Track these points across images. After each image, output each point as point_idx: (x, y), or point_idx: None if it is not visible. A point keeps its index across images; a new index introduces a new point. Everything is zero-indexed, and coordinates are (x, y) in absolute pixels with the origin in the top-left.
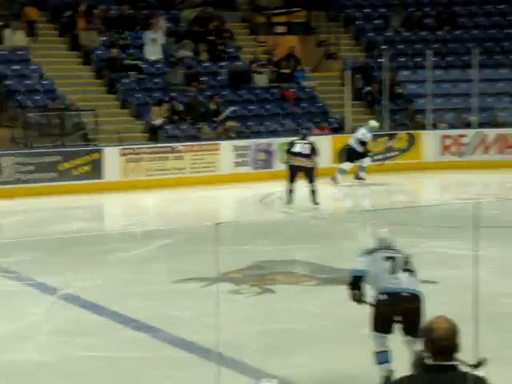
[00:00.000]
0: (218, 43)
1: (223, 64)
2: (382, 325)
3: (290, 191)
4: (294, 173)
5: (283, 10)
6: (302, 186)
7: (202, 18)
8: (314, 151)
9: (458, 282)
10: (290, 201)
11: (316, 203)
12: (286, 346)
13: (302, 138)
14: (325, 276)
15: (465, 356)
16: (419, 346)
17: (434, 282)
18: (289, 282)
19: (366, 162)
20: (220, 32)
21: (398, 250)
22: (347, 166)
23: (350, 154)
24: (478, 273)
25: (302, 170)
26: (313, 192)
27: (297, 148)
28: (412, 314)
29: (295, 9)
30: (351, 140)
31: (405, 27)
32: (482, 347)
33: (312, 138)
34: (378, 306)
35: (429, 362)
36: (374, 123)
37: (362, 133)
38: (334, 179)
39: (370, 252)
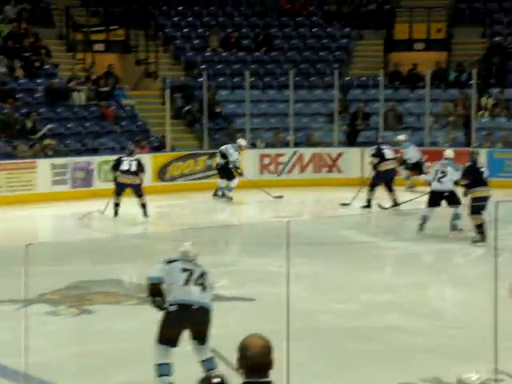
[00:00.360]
0: (34, 60)
1: (40, 81)
2: (167, 338)
3: (117, 205)
4: (121, 190)
5: (101, 28)
6: (127, 204)
7: (16, 33)
8: (140, 167)
9: (274, 299)
10: (116, 214)
11: (147, 216)
12: (105, 368)
13: (129, 155)
14: (145, 295)
15: (278, 372)
16: (208, 354)
17: (251, 300)
18: (108, 301)
19: (235, 182)
20: (36, 48)
21: (198, 265)
22: (223, 183)
23: (220, 172)
24: (290, 289)
25: (129, 186)
26: (143, 205)
27: (124, 165)
28: (200, 324)
29: (113, 27)
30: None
31: (223, 47)
32: (298, 362)
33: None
34: (166, 316)
35: (243, 379)
36: (241, 141)
37: (230, 152)
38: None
39: (170, 262)
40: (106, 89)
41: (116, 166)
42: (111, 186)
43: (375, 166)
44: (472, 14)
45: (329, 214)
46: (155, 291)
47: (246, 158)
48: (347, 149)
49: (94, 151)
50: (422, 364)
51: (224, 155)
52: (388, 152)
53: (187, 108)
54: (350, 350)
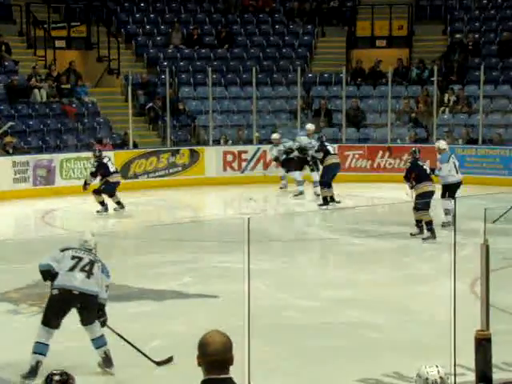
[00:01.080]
0: None
1: (0, 78)
2: (50, 319)
3: (118, 202)
4: (114, 189)
5: (62, 24)
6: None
7: None
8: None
9: (237, 296)
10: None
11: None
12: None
13: (100, 156)
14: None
15: (236, 368)
16: (97, 333)
17: (215, 296)
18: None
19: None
20: None
21: (91, 254)
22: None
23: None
24: (250, 286)
25: (118, 184)
26: (118, 203)
27: (111, 167)
28: (83, 308)
29: (75, 23)
30: None
31: (185, 44)
32: (260, 359)
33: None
34: (50, 300)
35: (204, 376)
36: (309, 126)
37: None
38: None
39: (63, 250)
40: (67, 86)
41: (106, 170)
42: (73, 183)
43: (321, 161)
44: (433, 11)
45: (291, 211)
46: (47, 277)
47: (208, 155)
48: None
49: (56, 148)
50: (383, 359)
51: (303, 148)
52: (331, 148)
53: (150, 105)
54: (312, 346)
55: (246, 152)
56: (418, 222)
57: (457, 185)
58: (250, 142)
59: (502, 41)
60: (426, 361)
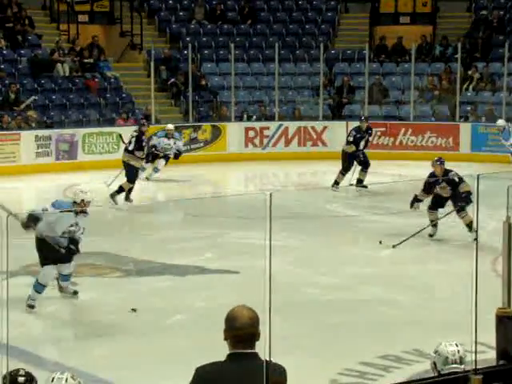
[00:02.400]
0: (18, 30)
1: (23, 52)
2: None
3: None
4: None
5: None
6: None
7: None
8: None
9: (259, 272)
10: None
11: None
12: (89, 339)
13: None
14: (129, 268)
15: (262, 343)
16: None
17: (236, 272)
18: (93, 274)
19: (161, 163)
20: (19, 18)
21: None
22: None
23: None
24: (274, 263)
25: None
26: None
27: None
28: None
29: None
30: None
31: (208, 20)
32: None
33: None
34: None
35: (230, 350)
36: (169, 127)
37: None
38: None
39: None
40: (90, 60)
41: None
42: (96, 158)
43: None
44: None
45: (313, 187)
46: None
47: (231, 131)
48: (332, 122)
49: (79, 123)
50: (403, 336)
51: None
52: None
53: (172, 80)
54: (332, 322)
55: (267, 128)
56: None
57: None
58: (271, 118)
59: None
60: (445, 338)
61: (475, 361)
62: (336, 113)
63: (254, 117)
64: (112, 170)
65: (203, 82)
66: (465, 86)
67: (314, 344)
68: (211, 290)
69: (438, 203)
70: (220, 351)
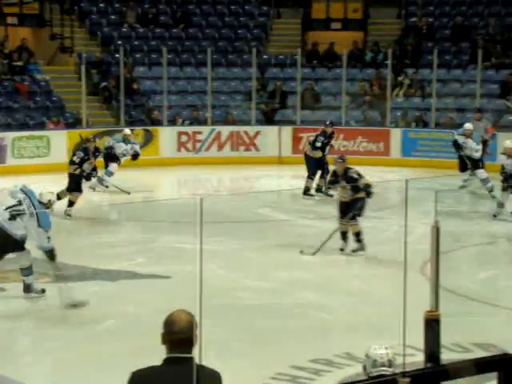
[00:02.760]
0: None
1: None
2: None
3: None
4: None
5: (15, 1)
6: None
7: None
8: None
9: (190, 276)
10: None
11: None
12: (16, 346)
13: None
14: (58, 273)
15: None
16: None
17: (168, 277)
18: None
19: (114, 167)
20: None
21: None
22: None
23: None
24: (203, 267)
25: None
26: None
27: None
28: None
29: (27, 0)
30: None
31: (140, 23)
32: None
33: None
34: None
35: (166, 354)
36: (126, 131)
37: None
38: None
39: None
40: (19, 63)
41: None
42: (25, 162)
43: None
44: None
45: (245, 191)
46: None
47: (163, 136)
48: (265, 127)
49: (8, 127)
50: (334, 340)
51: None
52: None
53: (103, 84)
54: (264, 326)
55: (200, 133)
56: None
57: None
58: (204, 122)
59: (455, 25)
60: (376, 341)
61: (403, 364)
62: (268, 118)
63: (188, 121)
64: (42, 174)
65: (135, 86)
66: (395, 91)
67: (246, 348)
68: (143, 294)
69: (343, 211)
70: (152, 356)
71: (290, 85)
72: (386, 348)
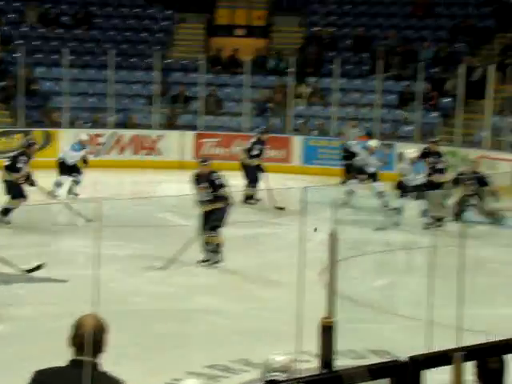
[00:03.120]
0: None
1: None
2: None
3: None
4: None
5: None
6: None
7: None
8: None
9: (87, 281)
10: None
11: None
12: None
13: None
14: None
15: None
16: None
17: (64, 281)
18: None
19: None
20: None
21: None
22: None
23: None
24: (101, 271)
25: None
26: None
27: None
28: None
29: None
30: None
31: (41, 23)
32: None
33: None
34: None
35: (71, 356)
36: (83, 137)
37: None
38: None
39: None
40: None
41: None
42: None
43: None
44: (291, 3)
45: (146, 195)
46: None
47: (63, 138)
48: (167, 132)
49: None
50: (232, 346)
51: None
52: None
53: (2, 84)
54: (162, 331)
55: (101, 136)
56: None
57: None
58: (105, 125)
59: (357, 36)
60: (273, 347)
61: (299, 370)
62: (171, 122)
63: (90, 123)
64: None
65: (35, 87)
66: (297, 99)
67: (143, 353)
68: (38, 298)
69: (204, 222)
70: (51, 360)
71: (192, 90)
72: (283, 354)
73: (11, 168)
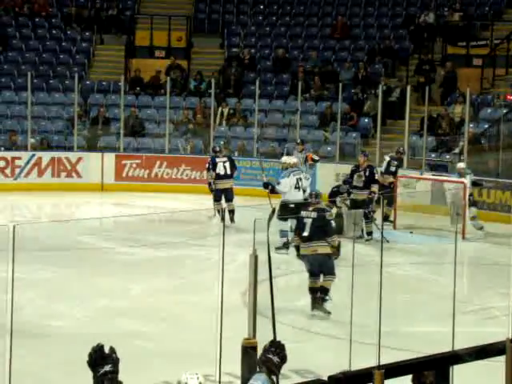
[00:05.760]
0: None
1: None
2: None
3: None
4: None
5: None
6: None
7: None
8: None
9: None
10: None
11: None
12: None
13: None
14: None
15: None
16: None
17: None
18: None
19: None
20: None
21: None
22: None
23: None
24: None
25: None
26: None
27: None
28: None
29: None
30: None
31: None
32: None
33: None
34: None
35: None
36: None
37: None
38: None
39: None
40: None
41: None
42: None
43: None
44: (211, 24)
45: (66, 218)
46: None
47: None
48: (87, 153)
49: None
50: (154, 368)
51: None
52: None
53: None
54: (83, 356)
55: (19, 158)
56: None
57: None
58: (24, 148)
59: (277, 57)
60: (195, 369)
61: None
62: (91, 144)
63: (2, 148)
64: None
65: None
66: (218, 121)
67: (63, 379)
68: None
69: None
70: None
71: (113, 111)
72: (197, 374)
73: None
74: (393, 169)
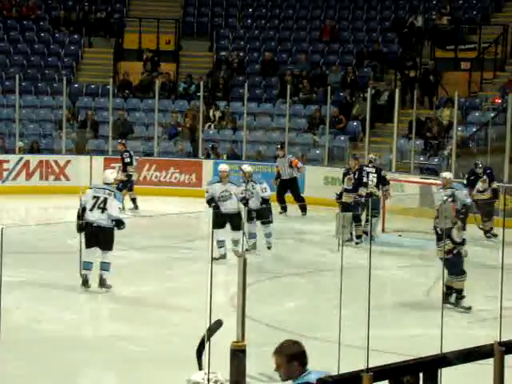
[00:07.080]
0: None
1: None
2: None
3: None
4: None
5: None
6: None
7: None
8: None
9: None
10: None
11: None
12: None
13: None
14: None
15: None
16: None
17: None
18: None
19: None
20: None
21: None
22: None
23: None
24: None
25: None
26: None
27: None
28: (100, 238)
29: None
30: None
31: None
32: (16, 374)
33: None
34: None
35: None
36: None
37: None
38: None
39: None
40: None
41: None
42: None
43: None
44: (199, 27)
45: (54, 221)
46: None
47: None
48: (76, 157)
49: None
50: (144, 372)
51: None
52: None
53: None
54: (73, 359)
55: (7, 161)
56: None
57: None
58: (12, 151)
59: (265, 60)
60: (185, 373)
61: None
62: (80, 147)
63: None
64: None
65: None
66: (207, 124)
67: (52, 382)
68: None
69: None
70: None
71: (101, 114)
72: (205, 373)
73: None
74: (364, 179)
